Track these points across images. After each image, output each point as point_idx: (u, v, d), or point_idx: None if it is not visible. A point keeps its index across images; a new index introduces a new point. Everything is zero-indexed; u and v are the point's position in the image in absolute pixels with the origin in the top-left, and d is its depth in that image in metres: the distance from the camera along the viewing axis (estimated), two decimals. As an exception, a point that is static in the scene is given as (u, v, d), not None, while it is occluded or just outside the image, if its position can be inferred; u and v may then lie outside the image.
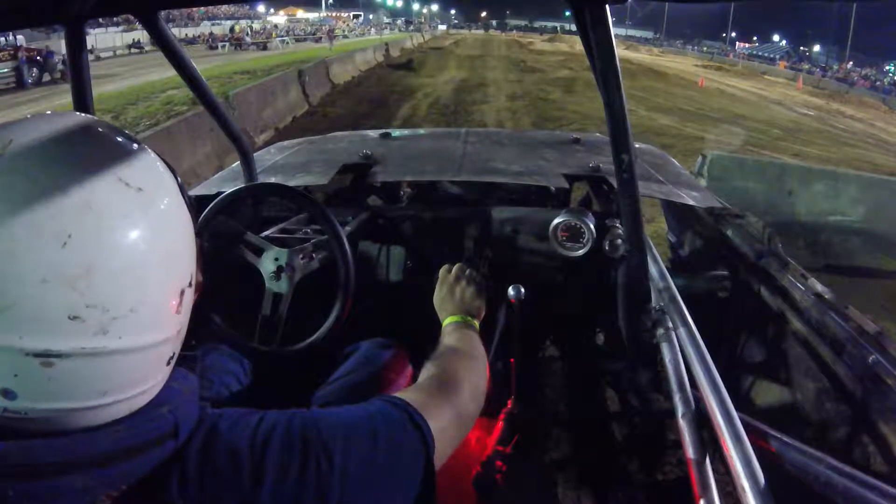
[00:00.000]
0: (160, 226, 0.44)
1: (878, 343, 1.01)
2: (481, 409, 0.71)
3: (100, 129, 0.47)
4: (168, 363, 0.47)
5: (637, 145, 1.93)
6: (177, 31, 23.72)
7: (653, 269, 1.19)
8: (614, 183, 1.14)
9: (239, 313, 1.16)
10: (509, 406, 1.10)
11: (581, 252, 1.38)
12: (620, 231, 1.27)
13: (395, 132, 2.36)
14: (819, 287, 1.22)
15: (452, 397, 0.65)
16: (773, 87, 21.83)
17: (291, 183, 1.43)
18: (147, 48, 20.05)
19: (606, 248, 1.30)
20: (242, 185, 1.35)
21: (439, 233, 1.61)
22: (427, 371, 0.71)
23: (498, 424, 1.07)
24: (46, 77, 12.30)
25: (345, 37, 36.56)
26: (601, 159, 1.79)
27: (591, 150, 2.04)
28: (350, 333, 1.15)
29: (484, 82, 13.72)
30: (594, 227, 1.39)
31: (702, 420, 0.79)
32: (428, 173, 1.81)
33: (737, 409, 0.75)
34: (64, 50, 1.11)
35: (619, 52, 0.86)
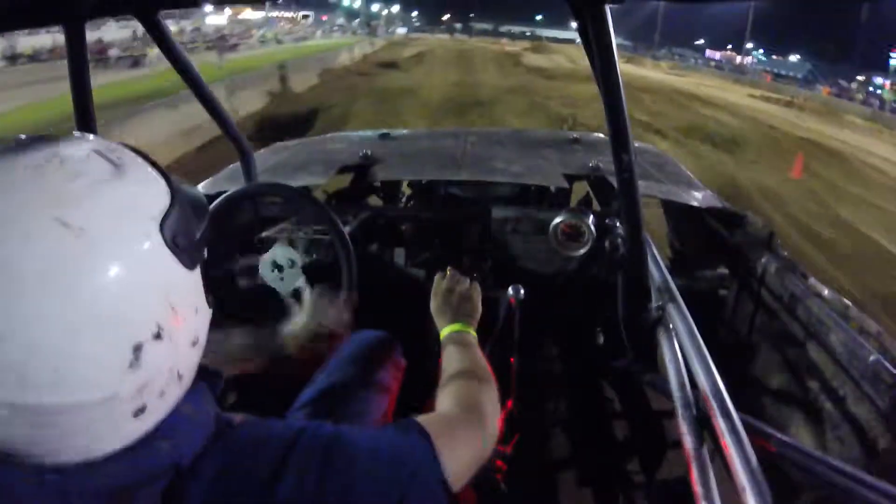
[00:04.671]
0: (101, 275, 0.38)
1: (878, 343, 1.01)
2: (498, 415, 0.72)
3: (60, 155, 0.41)
4: (136, 416, 0.42)
5: (637, 145, 1.93)
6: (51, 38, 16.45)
7: (653, 269, 1.18)
8: (614, 183, 1.14)
9: (238, 313, 1.16)
10: (509, 406, 1.10)
11: (581, 252, 1.38)
12: (620, 231, 1.27)
13: (395, 132, 2.36)
14: (819, 287, 1.22)
15: (478, 426, 0.65)
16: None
17: (292, 183, 1.43)
18: (45, 56, 15.93)
19: (606, 248, 1.30)
20: (243, 185, 1.35)
21: (439, 233, 1.61)
22: (447, 400, 0.71)
23: (498, 424, 1.07)
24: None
25: (278, 42, 28.67)
26: (601, 159, 1.79)
27: (591, 150, 2.04)
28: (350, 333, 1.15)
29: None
30: (594, 226, 1.39)
31: (702, 420, 0.79)
32: (428, 173, 1.81)
33: (737, 409, 0.75)
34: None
35: (622, 66, 0.84)
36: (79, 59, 1.06)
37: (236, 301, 1.26)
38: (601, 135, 2.37)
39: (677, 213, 1.99)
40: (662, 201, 1.92)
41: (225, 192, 1.20)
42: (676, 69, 30.44)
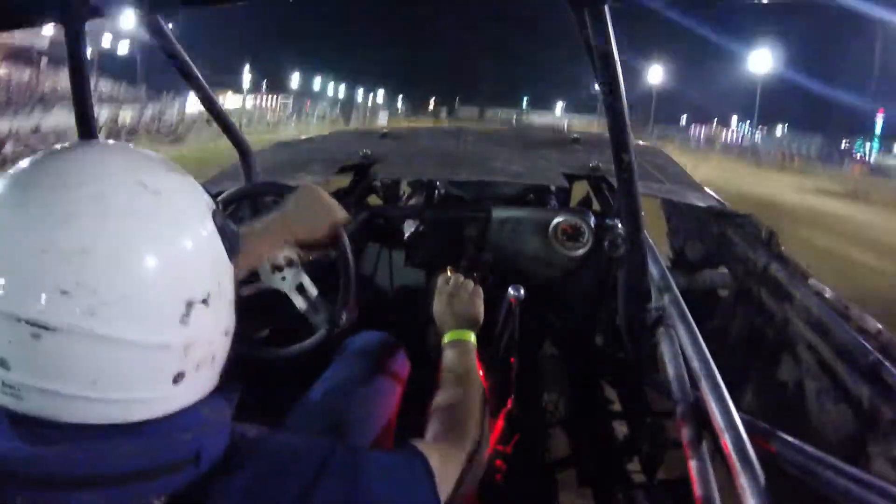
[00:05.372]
0: (170, 229, 0.45)
1: (878, 343, 1.01)
2: (481, 437, 0.75)
3: (132, 150, 0.50)
4: (175, 381, 0.46)
5: (637, 144, 1.93)
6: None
7: (653, 269, 1.19)
8: (614, 182, 1.14)
9: (258, 321, 1.16)
10: (509, 406, 1.10)
11: (581, 252, 1.39)
12: (620, 231, 1.27)
13: (395, 131, 2.36)
14: (819, 287, 1.22)
15: (466, 446, 0.69)
16: None
17: (291, 182, 1.43)
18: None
19: (606, 247, 1.30)
20: (244, 185, 1.35)
21: (439, 233, 1.61)
22: (439, 418, 0.75)
23: (498, 424, 1.07)
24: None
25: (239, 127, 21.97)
26: (601, 158, 1.80)
27: (591, 150, 2.04)
28: (349, 333, 1.15)
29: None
30: (594, 226, 1.39)
31: (702, 420, 0.79)
32: (427, 172, 1.81)
33: (737, 409, 0.75)
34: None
35: None
36: (79, 60, 1.06)
37: (251, 311, 1.24)
38: (601, 134, 2.37)
39: (677, 213, 1.99)
40: (662, 201, 1.93)
41: (224, 191, 1.20)
42: (686, 153, 20.78)
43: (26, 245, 0.40)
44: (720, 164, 18.53)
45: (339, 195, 2.02)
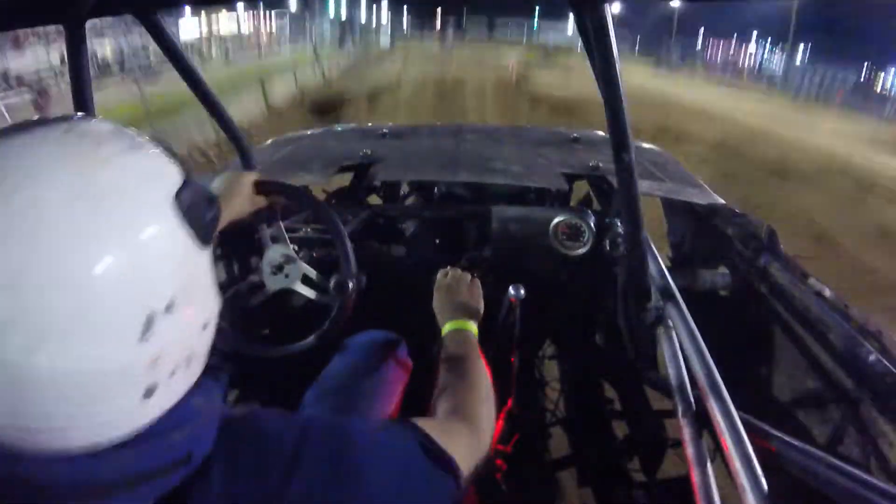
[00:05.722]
0: (118, 237, 0.38)
1: (878, 343, 1.01)
2: (494, 425, 0.73)
3: (81, 127, 0.42)
4: (147, 396, 0.41)
5: (637, 144, 1.93)
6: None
7: (653, 269, 1.18)
8: (614, 182, 1.14)
9: (231, 311, 1.16)
10: (509, 406, 1.10)
11: (581, 251, 1.38)
12: (620, 230, 1.27)
13: (395, 128, 2.35)
14: (819, 287, 1.22)
15: (473, 432, 0.66)
16: None
17: (291, 181, 1.43)
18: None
19: (606, 247, 1.30)
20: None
21: (439, 232, 1.61)
22: (444, 405, 0.72)
23: (498, 424, 1.07)
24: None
25: (226, 59, 15.45)
26: (601, 158, 1.79)
27: (591, 149, 2.04)
28: (348, 333, 1.15)
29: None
30: (594, 226, 1.39)
31: (702, 420, 0.79)
32: (427, 173, 1.81)
33: (737, 409, 0.75)
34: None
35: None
36: (79, 59, 1.06)
37: (267, 316, 1.24)
38: (601, 133, 2.37)
39: (677, 212, 1.99)
40: (663, 200, 1.92)
41: None
42: (710, 83, 19.14)
43: None
44: (756, 99, 14.91)
45: (339, 195, 2.02)
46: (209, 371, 0.49)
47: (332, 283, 1.09)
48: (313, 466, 0.48)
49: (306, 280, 1.14)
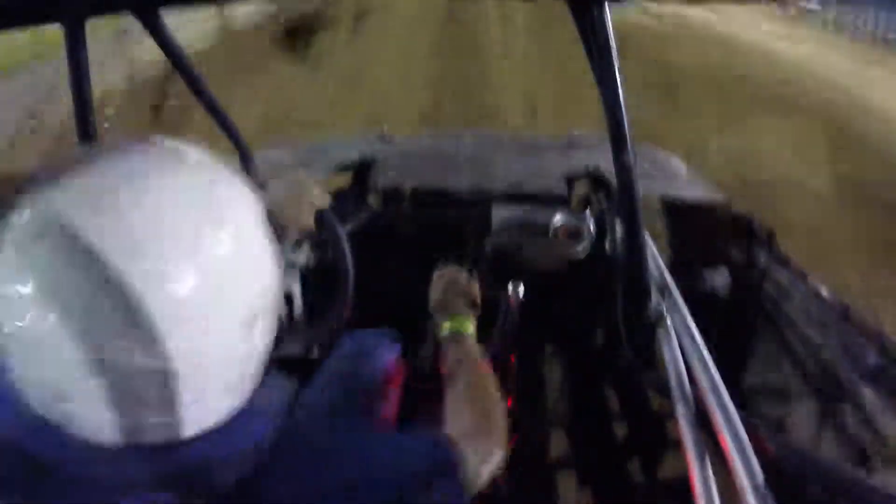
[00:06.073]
0: (240, 246, 0.44)
1: (878, 343, 1.01)
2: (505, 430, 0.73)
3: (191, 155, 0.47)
4: (227, 391, 0.46)
5: (637, 144, 1.94)
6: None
7: (653, 269, 1.19)
8: (614, 183, 1.14)
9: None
10: (509, 406, 1.10)
11: (581, 252, 1.38)
12: (620, 231, 1.27)
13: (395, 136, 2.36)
14: (819, 287, 1.22)
15: (491, 433, 0.67)
16: None
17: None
18: None
19: (606, 247, 1.30)
20: None
21: (439, 232, 1.61)
22: (457, 407, 0.72)
23: None
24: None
25: None
26: (601, 159, 1.79)
27: (591, 150, 2.04)
28: (347, 331, 1.15)
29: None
30: (594, 227, 1.39)
31: (702, 420, 0.79)
32: (427, 178, 1.82)
33: (737, 409, 0.75)
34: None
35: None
36: (79, 59, 1.06)
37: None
38: (601, 134, 2.37)
39: (677, 212, 1.99)
40: (662, 201, 1.93)
41: None
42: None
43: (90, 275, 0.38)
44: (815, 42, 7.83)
45: (339, 195, 2.02)
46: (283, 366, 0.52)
47: (300, 331, 1.05)
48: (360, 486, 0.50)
49: (288, 300, 1.11)
